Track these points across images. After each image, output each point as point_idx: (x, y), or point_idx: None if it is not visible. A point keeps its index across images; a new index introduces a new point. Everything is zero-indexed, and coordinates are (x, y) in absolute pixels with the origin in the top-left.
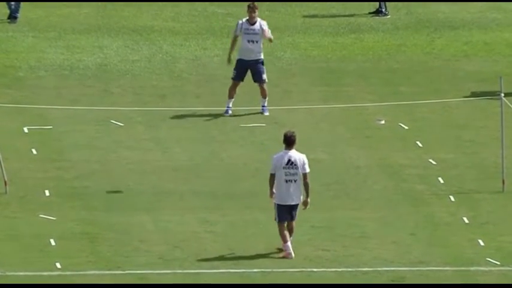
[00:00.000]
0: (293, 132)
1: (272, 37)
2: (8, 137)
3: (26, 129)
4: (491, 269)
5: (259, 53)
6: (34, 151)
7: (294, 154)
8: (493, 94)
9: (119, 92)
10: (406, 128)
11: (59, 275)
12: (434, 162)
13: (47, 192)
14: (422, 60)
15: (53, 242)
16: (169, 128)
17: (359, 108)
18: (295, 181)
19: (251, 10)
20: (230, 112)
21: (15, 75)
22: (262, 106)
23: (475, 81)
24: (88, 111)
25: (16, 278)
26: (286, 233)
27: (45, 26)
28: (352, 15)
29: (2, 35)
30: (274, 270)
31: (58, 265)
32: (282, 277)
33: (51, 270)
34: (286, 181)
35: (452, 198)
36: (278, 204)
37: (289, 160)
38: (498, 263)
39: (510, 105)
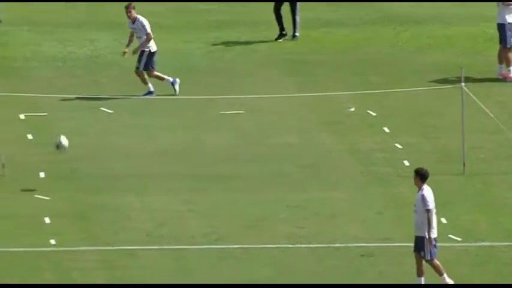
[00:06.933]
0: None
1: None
2: (5, 123)
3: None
4: (453, 245)
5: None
6: (30, 136)
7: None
8: (454, 83)
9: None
10: (374, 115)
11: (53, 251)
12: (400, 146)
13: (42, 174)
14: (389, 52)
15: (47, 220)
16: (154, 116)
17: (330, 97)
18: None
19: (126, 11)
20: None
21: None
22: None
23: (438, 72)
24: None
25: (11, 253)
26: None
27: None
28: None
29: None
30: (252, 246)
31: (52, 241)
32: (260, 253)
33: (45, 246)
34: None
35: None
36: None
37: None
38: (459, 239)
39: (470, 93)
